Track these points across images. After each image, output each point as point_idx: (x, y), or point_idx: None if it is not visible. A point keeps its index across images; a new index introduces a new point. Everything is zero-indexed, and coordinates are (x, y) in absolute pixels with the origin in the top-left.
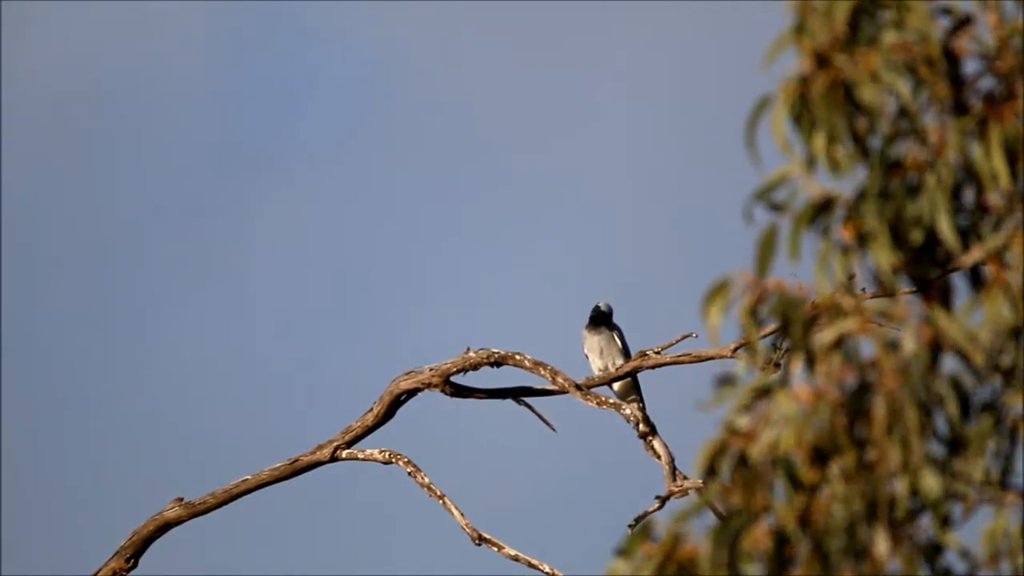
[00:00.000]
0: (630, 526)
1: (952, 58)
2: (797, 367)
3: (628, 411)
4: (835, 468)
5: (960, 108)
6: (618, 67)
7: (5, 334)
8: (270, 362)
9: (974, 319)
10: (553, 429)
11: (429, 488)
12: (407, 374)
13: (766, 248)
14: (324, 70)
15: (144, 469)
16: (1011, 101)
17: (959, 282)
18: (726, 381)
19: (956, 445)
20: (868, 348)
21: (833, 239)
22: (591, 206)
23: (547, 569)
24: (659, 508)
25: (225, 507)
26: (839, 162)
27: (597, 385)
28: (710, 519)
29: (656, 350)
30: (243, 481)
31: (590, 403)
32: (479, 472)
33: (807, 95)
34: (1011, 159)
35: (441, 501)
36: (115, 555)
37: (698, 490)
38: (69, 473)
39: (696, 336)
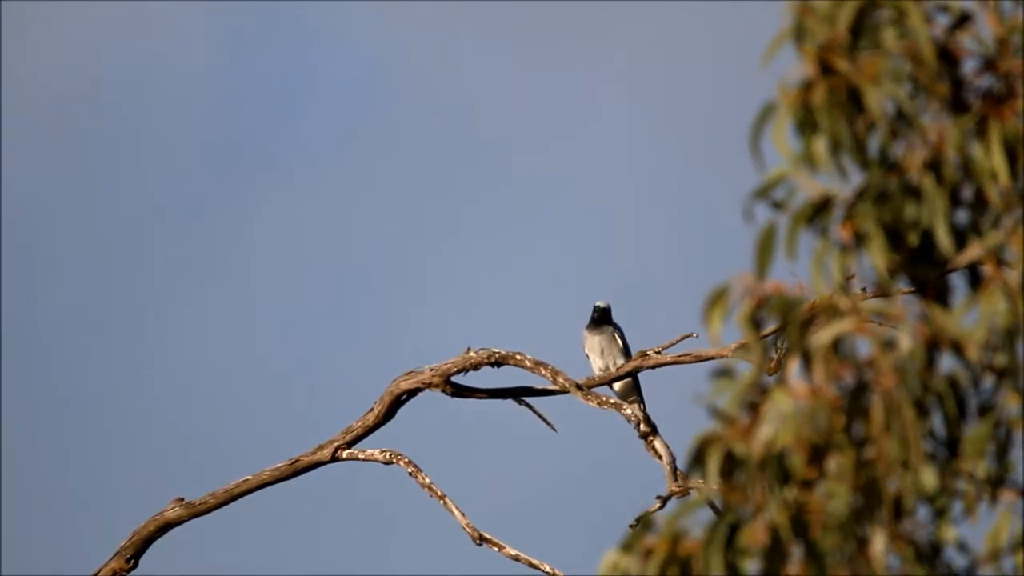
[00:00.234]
0: (631, 526)
1: (951, 57)
2: (794, 367)
3: (629, 411)
4: (832, 465)
5: (959, 107)
6: (618, 67)
7: (5, 334)
8: (270, 362)
9: (971, 316)
10: (554, 429)
11: (430, 488)
12: (407, 374)
13: (765, 248)
14: (324, 70)
15: (144, 469)
16: (1011, 100)
17: (958, 282)
18: (724, 374)
19: (953, 443)
20: (866, 348)
21: (832, 239)
22: (591, 206)
23: (548, 569)
24: (660, 508)
25: (225, 507)
26: (843, 168)
27: (598, 385)
28: (709, 516)
29: (657, 350)
30: (243, 481)
31: (591, 403)
32: (479, 472)
33: (809, 102)
34: (1011, 158)
35: (442, 501)
36: (115, 555)
37: (699, 489)
38: (69, 473)
39: (696, 336)
